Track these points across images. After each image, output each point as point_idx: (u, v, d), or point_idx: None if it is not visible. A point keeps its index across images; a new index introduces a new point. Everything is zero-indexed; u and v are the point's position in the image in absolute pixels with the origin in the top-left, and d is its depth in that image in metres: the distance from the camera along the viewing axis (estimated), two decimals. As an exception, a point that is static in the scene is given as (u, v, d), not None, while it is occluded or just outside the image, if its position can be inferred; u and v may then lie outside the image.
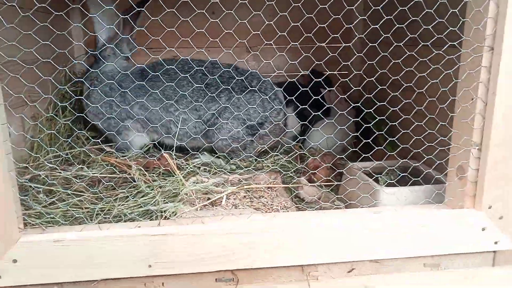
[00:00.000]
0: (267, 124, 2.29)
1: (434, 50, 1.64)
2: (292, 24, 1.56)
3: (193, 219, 1.46)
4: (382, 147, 1.75)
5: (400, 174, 1.84)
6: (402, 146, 1.74)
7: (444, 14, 1.56)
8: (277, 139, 2.36)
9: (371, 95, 1.78)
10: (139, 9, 2.22)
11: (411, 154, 1.70)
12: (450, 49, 1.55)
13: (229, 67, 2.34)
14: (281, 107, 2.34)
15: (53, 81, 2.00)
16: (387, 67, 1.68)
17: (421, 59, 1.68)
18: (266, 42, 1.65)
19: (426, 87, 1.68)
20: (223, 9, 1.53)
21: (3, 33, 1.46)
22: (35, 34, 1.37)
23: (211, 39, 1.65)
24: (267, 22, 1.58)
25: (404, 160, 2.03)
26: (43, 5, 1.42)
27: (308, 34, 1.58)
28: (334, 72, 1.81)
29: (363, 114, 1.86)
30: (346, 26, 1.60)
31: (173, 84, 2.15)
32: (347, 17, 1.57)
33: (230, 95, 2.25)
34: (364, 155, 1.68)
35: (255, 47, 3.15)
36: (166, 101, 2.16)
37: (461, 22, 1.45)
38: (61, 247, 1.31)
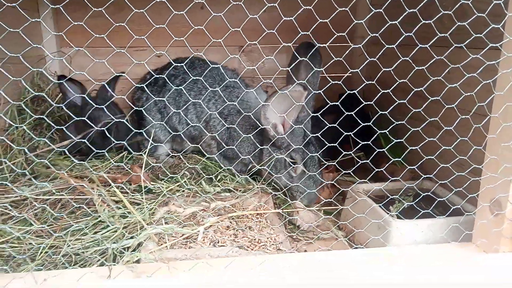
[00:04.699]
0: None
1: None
2: (284, 18, 1.23)
3: (156, 267, 1.14)
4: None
5: (412, 201, 1.54)
6: (410, 163, 1.41)
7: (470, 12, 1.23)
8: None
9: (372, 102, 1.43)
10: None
11: (423, 170, 1.38)
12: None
13: None
14: None
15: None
16: (394, 69, 1.33)
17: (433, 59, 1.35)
18: (249, 42, 1.32)
19: (443, 93, 1.34)
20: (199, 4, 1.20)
21: None
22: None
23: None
24: (250, 16, 1.25)
25: (415, 181, 1.74)
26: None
27: (306, 32, 1.25)
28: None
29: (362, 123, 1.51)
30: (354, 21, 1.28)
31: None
32: (350, 12, 1.25)
33: None
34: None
35: (247, 46, 2.83)
36: None
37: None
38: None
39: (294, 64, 1.90)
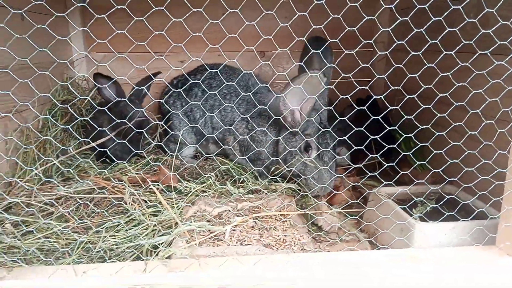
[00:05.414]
0: None
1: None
2: (314, 26, 1.28)
3: (188, 262, 1.20)
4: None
5: (435, 204, 1.56)
6: (433, 167, 1.44)
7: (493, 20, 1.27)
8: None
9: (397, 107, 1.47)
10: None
11: (445, 175, 1.41)
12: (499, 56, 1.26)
13: None
14: None
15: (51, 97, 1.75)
16: (418, 75, 1.37)
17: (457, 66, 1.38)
18: (279, 48, 1.36)
19: (467, 99, 1.37)
20: (227, 8, 1.26)
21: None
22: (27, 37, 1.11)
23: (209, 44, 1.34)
24: (281, 25, 1.30)
25: (437, 185, 1.76)
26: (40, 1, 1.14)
27: (334, 40, 1.30)
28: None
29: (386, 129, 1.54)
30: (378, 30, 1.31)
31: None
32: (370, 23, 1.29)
33: None
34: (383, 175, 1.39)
35: (269, 51, 2.89)
36: None
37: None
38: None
39: (306, 58, 1.96)
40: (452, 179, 1.45)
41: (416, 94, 1.30)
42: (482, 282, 1.24)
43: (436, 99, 1.33)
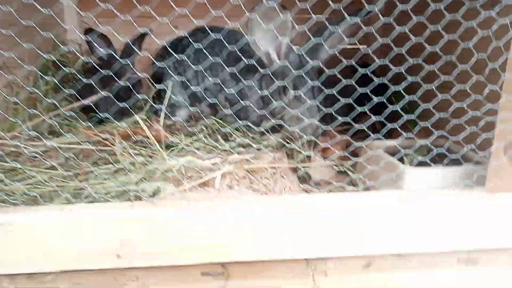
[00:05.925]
0: None
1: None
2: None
3: (175, 201, 1.20)
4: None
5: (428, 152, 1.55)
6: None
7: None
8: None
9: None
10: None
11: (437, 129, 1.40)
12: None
13: None
14: None
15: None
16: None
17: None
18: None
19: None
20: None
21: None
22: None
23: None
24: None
25: (428, 139, 1.75)
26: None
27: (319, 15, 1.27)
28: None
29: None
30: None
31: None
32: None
33: None
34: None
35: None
36: None
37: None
38: (9, 233, 1.06)
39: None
40: (442, 132, 1.43)
41: (406, 50, 1.27)
42: (471, 220, 1.25)
43: (425, 53, 1.30)
